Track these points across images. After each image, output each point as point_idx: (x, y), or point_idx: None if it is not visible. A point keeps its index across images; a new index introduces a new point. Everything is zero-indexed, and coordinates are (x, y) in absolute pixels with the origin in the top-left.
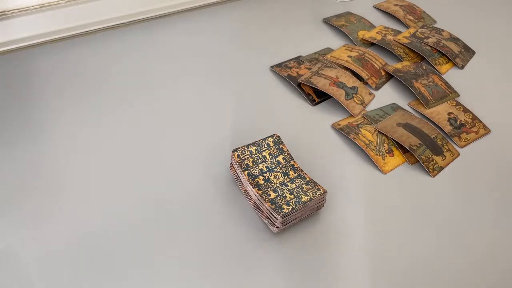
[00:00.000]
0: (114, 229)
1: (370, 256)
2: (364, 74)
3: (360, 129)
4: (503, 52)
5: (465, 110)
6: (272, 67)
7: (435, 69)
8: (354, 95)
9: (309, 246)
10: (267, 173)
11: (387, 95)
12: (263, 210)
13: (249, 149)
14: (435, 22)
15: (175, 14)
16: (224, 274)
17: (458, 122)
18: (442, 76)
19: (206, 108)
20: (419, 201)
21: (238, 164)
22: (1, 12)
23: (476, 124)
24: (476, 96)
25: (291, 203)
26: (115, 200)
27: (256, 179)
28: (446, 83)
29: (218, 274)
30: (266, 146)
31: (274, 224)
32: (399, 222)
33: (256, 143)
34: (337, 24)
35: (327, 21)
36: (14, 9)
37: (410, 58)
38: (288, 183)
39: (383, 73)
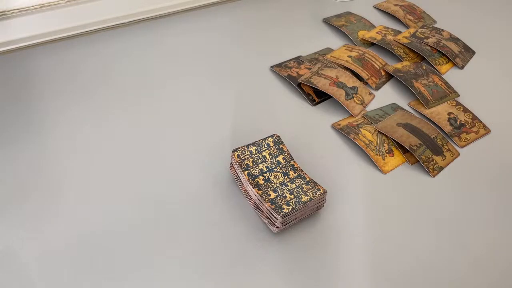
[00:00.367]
0: (114, 229)
1: (370, 256)
2: (364, 74)
3: (360, 129)
4: (503, 52)
5: (465, 110)
6: (272, 67)
7: (435, 69)
8: (354, 95)
9: (309, 246)
10: (267, 173)
11: (387, 95)
12: (263, 210)
13: (249, 149)
14: (435, 22)
15: (175, 14)
16: (224, 274)
17: (458, 122)
18: (442, 76)
19: (206, 108)
20: (419, 201)
21: (238, 164)
22: (1, 12)
23: (476, 124)
24: (476, 96)
25: (291, 203)
26: (115, 200)
27: (256, 179)
28: (446, 83)
29: (218, 274)
30: (266, 146)
31: (274, 224)
32: (399, 222)
33: (256, 143)
34: (337, 24)
35: (327, 21)
36: (14, 9)
37: (410, 58)
38: (288, 183)
39: (383, 73)
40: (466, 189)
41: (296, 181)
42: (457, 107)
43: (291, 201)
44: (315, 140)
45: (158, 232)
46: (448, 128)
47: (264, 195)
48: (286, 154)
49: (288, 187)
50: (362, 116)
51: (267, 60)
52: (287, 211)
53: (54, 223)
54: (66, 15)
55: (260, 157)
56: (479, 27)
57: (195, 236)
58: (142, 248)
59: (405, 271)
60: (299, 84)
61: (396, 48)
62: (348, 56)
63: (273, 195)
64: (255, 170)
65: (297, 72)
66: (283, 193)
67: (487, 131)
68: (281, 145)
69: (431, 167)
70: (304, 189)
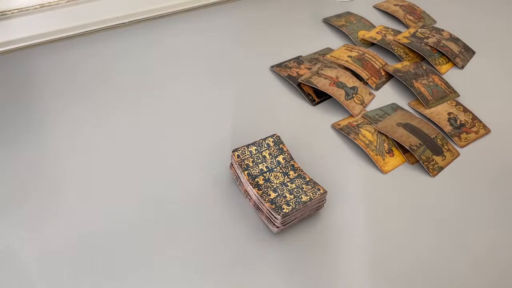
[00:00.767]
0: (114, 229)
1: (370, 256)
2: (364, 74)
3: (360, 129)
4: (503, 52)
5: (465, 110)
6: (272, 67)
7: (435, 69)
8: (354, 95)
9: (309, 246)
10: (267, 173)
11: (387, 95)
12: (263, 210)
13: (249, 149)
14: (435, 22)
15: (175, 14)
16: (224, 274)
17: (458, 122)
18: (442, 76)
19: (206, 108)
20: (419, 201)
21: (238, 164)
22: (1, 12)
23: (476, 124)
24: (476, 96)
25: (291, 203)
26: (115, 200)
27: (256, 179)
28: (446, 83)
29: (218, 274)
30: (266, 146)
31: (274, 224)
32: (399, 222)
33: (256, 143)
34: (337, 24)
35: (327, 21)
36: (14, 9)
37: (410, 58)
38: (288, 183)
39: (383, 73)
40: (466, 189)
41: (296, 181)
42: (457, 107)
43: (291, 201)
44: (315, 140)
45: (158, 232)
46: (448, 128)
47: (264, 195)
48: (286, 154)
49: (288, 187)
50: (362, 116)
51: (267, 60)
52: (287, 211)
53: (54, 223)
54: (66, 15)
55: (260, 157)
56: (479, 27)
57: (195, 236)
58: (142, 248)
59: (405, 271)
60: (299, 84)
61: (396, 48)
62: (348, 56)
63: (273, 195)
64: (255, 170)
65: (297, 72)
66: (283, 193)
67: (487, 131)
68: (281, 145)
69: (431, 167)
70: (304, 189)
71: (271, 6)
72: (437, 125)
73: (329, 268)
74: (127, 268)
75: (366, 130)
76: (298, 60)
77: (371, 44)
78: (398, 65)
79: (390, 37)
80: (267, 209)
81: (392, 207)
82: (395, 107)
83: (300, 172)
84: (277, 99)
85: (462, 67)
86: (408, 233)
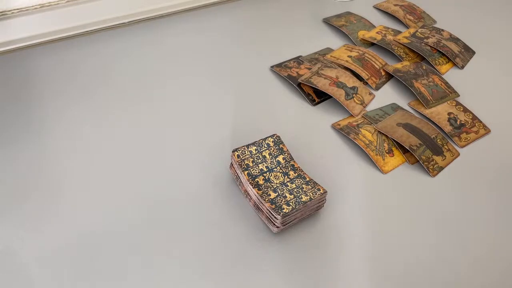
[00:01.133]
0: (114, 229)
1: (370, 256)
2: (364, 74)
3: (360, 129)
4: (503, 52)
5: (465, 110)
6: (272, 67)
7: (435, 69)
8: (354, 95)
9: (309, 246)
10: (267, 173)
11: (387, 95)
12: (263, 210)
13: (249, 149)
14: (435, 22)
15: (175, 14)
16: (224, 274)
17: (458, 122)
18: (442, 76)
19: (206, 108)
20: (419, 201)
21: (238, 164)
22: (1, 12)
23: (476, 124)
24: (476, 96)
25: (291, 203)
26: (115, 200)
27: (256, 179)
28: (446, 83)
29: (218, 274)
30: (266, 146)
31: (274, 224)
32: (399, 222)
33: (256, 143)
34: (337, 24)
35: (327, 21)
36: (14, 9)
37: (410, 58)
38: (288, 183)
39: (383, 73)
40: (466, 189)
41: (296, 181)
42: (457, 107)
43: (291, 201)
44: (315, 140)
45: (158, 232)
46: (448, 128)
47: (264, 195)
48: (286, 154)
49: (288, 187)
50: (362, 116)
51: (267, 60)
52: (287, 211)
53: (54, 223)
54: (66, 15)
55: (260, 157)
56: (479, 27)
57: (195, 236)
58: (142, 248)
59: (405, 271)
60: (299, 84)
61: (396, 48)
62: (348, 56)
63: (273, 195)
64: (255, 170)
65: (297, 72)
66: (283, 193)
67: (487, 131)
68: (281, 145)
69: (431, 167)
70: (304, 189)
71: (271, 6)
72: (437, 125)
73: (329, 268)
74: (127, 268)
75: (366, 130)
76: (298, 60)
77: (371, 44)
78: (398, 65)
79: (390, 37)
80: (267, 209)
81: (392, 207)
82: (395, 107)
83: (300, 172)
84: (277, 99)
85: (462, 67)
86: (408, 233)
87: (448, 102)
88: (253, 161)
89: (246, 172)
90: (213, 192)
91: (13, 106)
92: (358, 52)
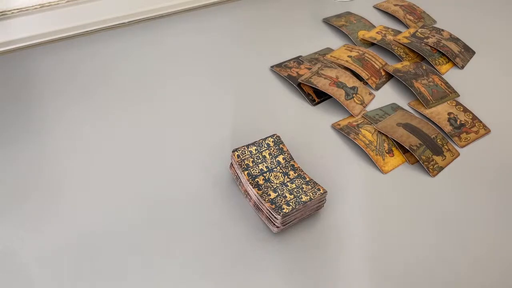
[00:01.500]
0: (114, 229)
1: (370, 256)
2: (364, 74)
3: (360, 129)
4: (503, 52)
5: (465, 110)
6: (272, 67)
7: (435, 69)
8: (354, 95)
9: (309, 246)
10: (267, 173)
11: (387, 95)
12: (263, 210)
13: (249, 149)
14: (435, 22)
15: (175, 14)
16: (224, 274)
17: (458, 122)
18: (442, 76)
19: (206, 108)
20: (419, 201)
21: (238, 164)
22: (1, 12)
23: (476, 124)
24: (476, 96)
25: (291, 203)
26: (115, 200)
27: (256, 179)
28: (446, 83)
29: (218, 274)
30: (266, 146)
31: (274, 224)
32: (399, 222)
33: (256, 143)
34: (337, 24)
35: (327, 21)
36: (14, 9)
37: (410, 58)
38: (288, 183)
39: (383, 73)
40: (466, 189)
41: (296, 181)
42: (457, 107)
43: (291, 201)
44: (315, 140)
45: (158, 232)
46: (448, 128)
47: (264, 195)
48: (286, 154)
49: (288, 187)
50: (362, 116)
51: (267, 60)
52: (287, 211)
53: (54, 223)
54: (66, 15)
55: (260, 157)
56: (479, 27)
57: (195, 236)
58: (142, 248)
59: (405, 271)
60: (299, 84)
61: (396, 48)
62: (348, 56)
63: (273, 195)
64: (255, 170)
65: (297, 72)
66: (283, 193)
67: (487, 131)
68: (281, 145)
69: (431, 167)
70: (304, 189)
71: (271, 6)
72: (437, 125)
73: (329, 268)
74: (127, 268)
75: (366, 130)
76: (298, 60)
77: (371, 44)
78: (398, 65)
79: (390, 37)
80: (267, 209)
81: (392, 207)
82: (395, 107)
83: (300, 172)
84: (277, 99)
85: (462, 67)
86: (408, 233)
87: (448, 102)
88: (253, 161)
89: (246, 172)
90: (213, 192)
91: (13, 106)
92: (358, 52)
